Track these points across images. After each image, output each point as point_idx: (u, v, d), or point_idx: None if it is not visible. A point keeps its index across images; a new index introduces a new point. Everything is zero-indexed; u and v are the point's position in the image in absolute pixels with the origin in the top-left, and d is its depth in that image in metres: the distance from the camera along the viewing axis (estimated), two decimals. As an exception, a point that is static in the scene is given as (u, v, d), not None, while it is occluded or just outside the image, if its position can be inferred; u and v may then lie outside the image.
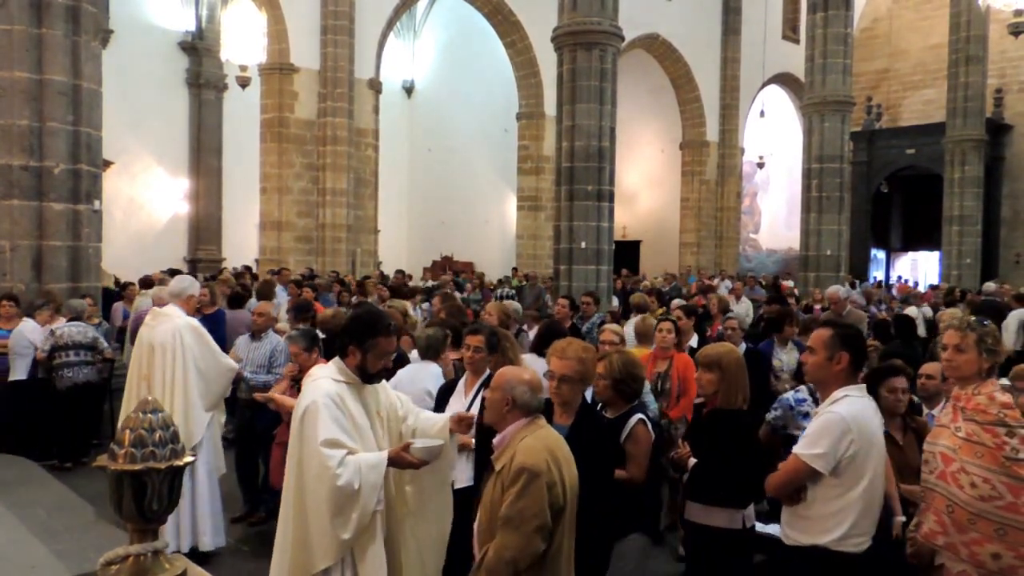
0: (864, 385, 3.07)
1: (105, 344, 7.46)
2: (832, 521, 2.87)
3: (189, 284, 5.13)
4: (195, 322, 4.90)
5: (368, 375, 3.02)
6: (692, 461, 3.44)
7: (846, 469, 2.85)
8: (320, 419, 2.82)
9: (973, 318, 3.16)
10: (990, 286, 13.93)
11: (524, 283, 16.11)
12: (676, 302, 9.24)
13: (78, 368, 7.04)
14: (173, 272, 14.51)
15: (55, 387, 7.05)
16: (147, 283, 10.98)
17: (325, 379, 2.96)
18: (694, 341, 6.37)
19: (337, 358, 3.06)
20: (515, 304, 8.01)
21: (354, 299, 10.24)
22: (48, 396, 7.08)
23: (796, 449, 2.95)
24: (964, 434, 2.91)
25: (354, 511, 2.80)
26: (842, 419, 2.85)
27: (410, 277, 16.32)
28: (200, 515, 4.78)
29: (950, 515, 2.88)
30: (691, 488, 3.45)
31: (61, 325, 7.07)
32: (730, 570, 3.39)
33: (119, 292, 11.12)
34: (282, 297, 10.32)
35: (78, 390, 7.03)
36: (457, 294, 12.51)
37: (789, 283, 16.62)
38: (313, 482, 2.80)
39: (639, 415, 3.43)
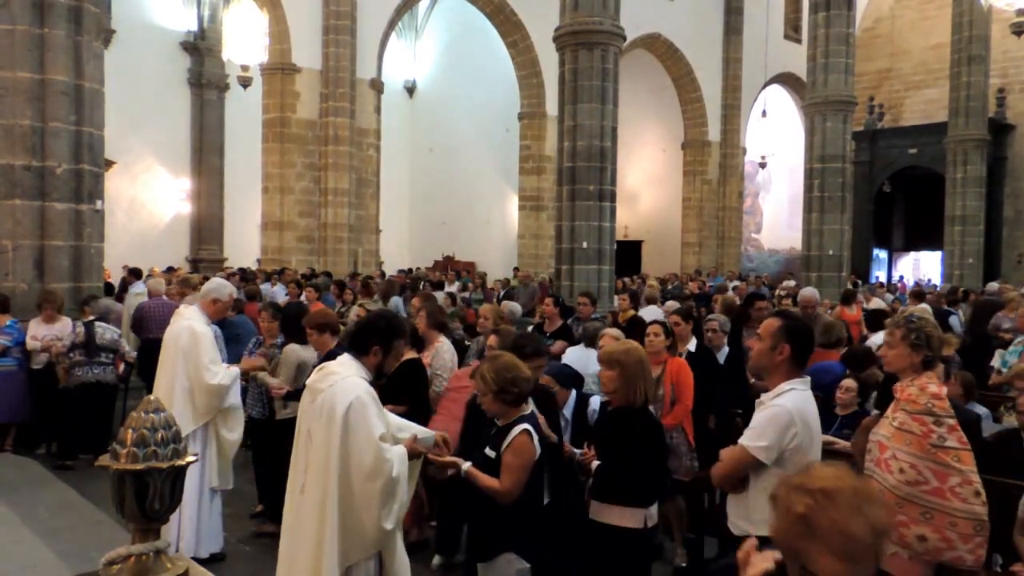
0: (808, 378, 3.12)
1: (127, 347, 7.45)
2: None
3: (216, 287, 4.99)
4: (200, 328, 4.76)
5: (381, 374, 3.18)
6: (595, 464, 3.41)
7: (789, 460, 2.92)
8: (370, 415, 2.93)
9: (906, 316, 3.28)
10: (993, 286, 13.97)
11: (518, 282, 16.11)
12: (668, 303, 9.19)
13: (88, 368, 7.05)
14: (170, 270, 14.59)
15: (62, 385, 7.09)
16: (137, 274, 11.24)
17: (354, 376, 3.01)
18: (692, 345, 6.22)
19: (350, 355, 3.09)
20: (512, 305, 7.99)
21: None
22: (54, 393, 7.13)
23: (742, 440, 3.02)
24: (897, 423, 3.04)
25: (396, 502, 2.97)
26: (788, 412, 2.93)
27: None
28: (183, 522, 4.71)
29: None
30: (594, 487, 3.44)
31: (79, 324, 7.13)
32: (631, 570, 3.37)
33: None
34: (281, 297, 10.34)
35: (86, 389, 7.03)
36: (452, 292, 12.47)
37: (791, 283, 16.57)
38: (367, 475, 2.89)
39: (525, 425, 3.24)
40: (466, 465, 3.22)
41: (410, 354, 5.07)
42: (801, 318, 3.62)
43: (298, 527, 3.01)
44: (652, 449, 3.39)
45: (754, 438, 2.97)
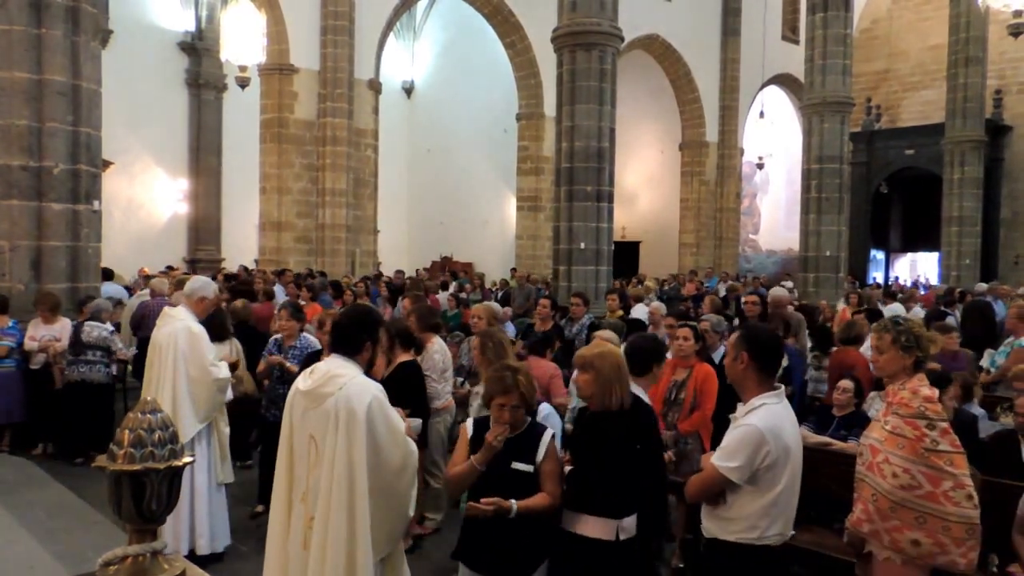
0: (781, 389, 3.08)
1: (119, 345, 7.45)
2: (747, 523, 2.94)
3: (201, 285, 5.01)
4: (196, 327, 4.79)
5: (371, 368, 3.11)
6: (568, 468, 3.28)
7: (763, 477, 2.91)
8: (391, 412, 2.98)
9: (891, 319, 3.28)
10: (981, 286, 14.05)
11: (516, 283, 16.14)
12: (655, 304, 9.19)
13: (75, 366, 7.07)
14: (170, 269, 14.57)
15: (54, 383, 7.14)
16: (107, 275, 11.06)
17: (360, 376, 2.99)
18: None
19: (340, 356, 3.03)
20: (493, 305, 8.04)
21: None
22: (51, 394, 7.17)
23: (714, 460, 2.99)
24: (890, 427, 3.05)
25: (413, 490, 3.07)
26: (759, 432, 2.88)
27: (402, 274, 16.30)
28: (198, 518, 4.76)
29: (875, 504, 3.02)
30: (566, 495, 3.29)
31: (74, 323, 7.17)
32: None
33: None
34: (281, 297, 10.33)
35: (73, 388, 7.05)
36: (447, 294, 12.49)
37: (789, 283, 16.60)
38: (397, 469, 2.97)
39: (552, 430, 3.24)
40: (515, 504, 3.07)
41: (405, 356, 5.05)
42: (761, 327, 3.62)
43: (296, 531, 2.97)
44: (627, 456, 3.23)
45: (725, 458, 2.94)
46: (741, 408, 3.05)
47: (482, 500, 3.06)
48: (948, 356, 6.47)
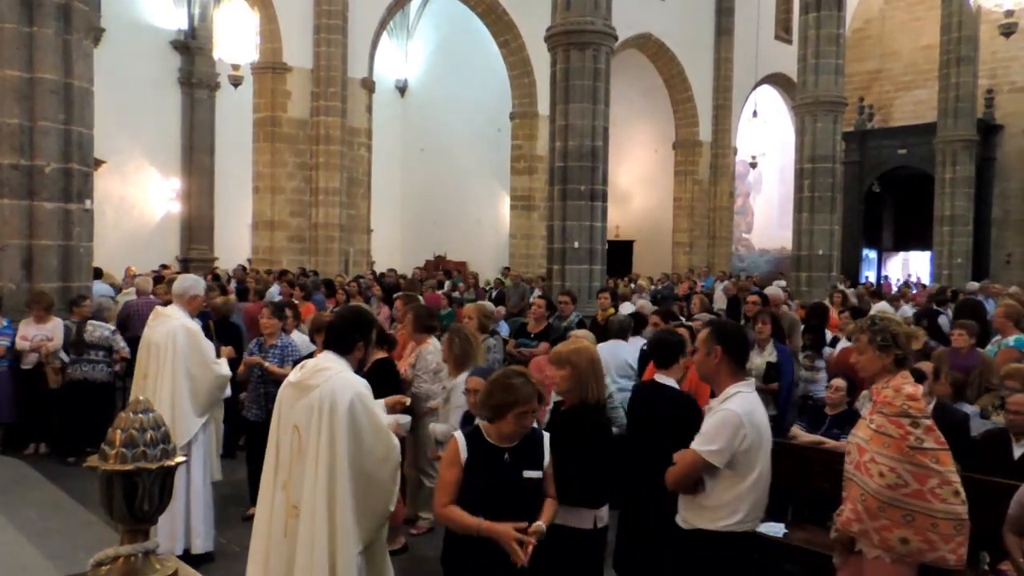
0: (752, 379, 3.23)
1: (121, 344, 7.43)
2: (727, 509, 3.07)
3: (192, 284, 5.00)
4: (192, 325, 4.79)
5: (362, 367, 3.19)
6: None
7: (740, 461, 3.05)
8: (375, 407, 3.05)
9: (868, 319, 3.31)
10: (973, 285, 14.12)
11: (510, 283, 16.12)
12: (642, 302, 9.23)
13: (77, 365, 7.06)
14: (164, 267, 14.52)
15: (53, 386, 7.12)
16: (96, 274, 11.08)
17: (347, 371, 3.05)
18: None
19: (333, 353, 3.09)
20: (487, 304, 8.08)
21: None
22: (43, 394, 7.15)
23: (694, 445, 3.12)
24: (875, 426, 3.07)
25: (396, 483, 3.12)
26: (737, 416, 3.04)
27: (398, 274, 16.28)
28: (194, 518, 4.75)
29: (863, 503, 3.03)
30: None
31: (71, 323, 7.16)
32: (578, 570, 3.31)
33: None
34: (275, 297, 10.30)
35: (75, 387, 7.02)
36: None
37: (782, 283, 16.64)
38: (380, 461, 3.02)
39: (546, 432, 3.27)
40: (543, 524, 2.98)
41: (379, 354, 5.05)
42: (728, 322, 3.80)
43: (278, 519, 3.00)
44: (604, 449, 3.35)
45: (706, 443, 3.07)
46: (715, 399, 3.19)
47: (529, 530, 2.90)
48: (956, 353, 6.46)
